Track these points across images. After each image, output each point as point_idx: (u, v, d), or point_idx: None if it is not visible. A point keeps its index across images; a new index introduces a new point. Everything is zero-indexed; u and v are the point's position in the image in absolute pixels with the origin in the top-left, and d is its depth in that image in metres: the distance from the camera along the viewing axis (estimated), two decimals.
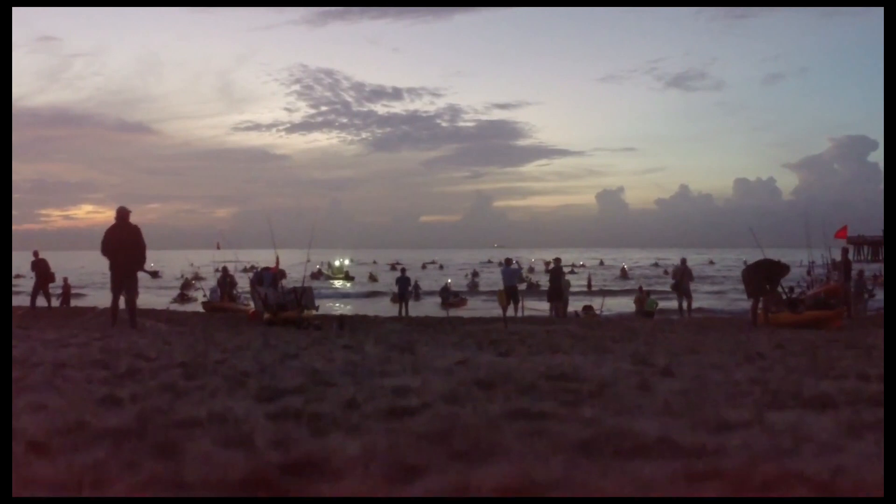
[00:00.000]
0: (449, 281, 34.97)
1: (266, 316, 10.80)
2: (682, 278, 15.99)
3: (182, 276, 48.86)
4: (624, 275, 54.60)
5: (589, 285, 23.08)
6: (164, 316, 18.67)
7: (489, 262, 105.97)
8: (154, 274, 61.99)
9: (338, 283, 51.88)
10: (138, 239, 10.91)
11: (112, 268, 10.92)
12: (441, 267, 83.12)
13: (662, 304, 21.60)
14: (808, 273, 17.93)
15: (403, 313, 15.96)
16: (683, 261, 16.32)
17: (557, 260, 16.52)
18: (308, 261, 71.96)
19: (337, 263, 55.83)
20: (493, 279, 53.75)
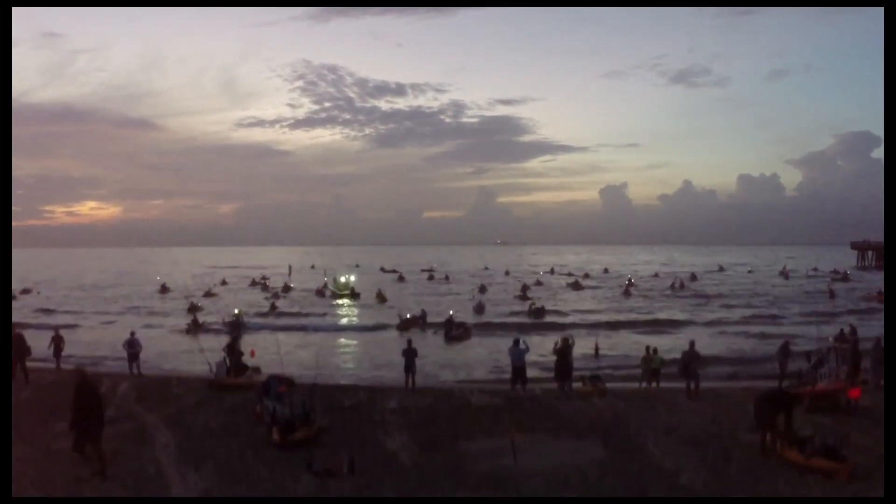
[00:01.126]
0: (452, 313, 34.19)
1: (275, 437, 10.52)
2: (691, 362, 15.96)
3: (188, 299, 45.77)
4: (627, 292, 54.49)
5: (596, 351, 23.01)
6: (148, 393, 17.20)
7: (486, 269, 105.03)
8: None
9: (343, 301, 51.31)
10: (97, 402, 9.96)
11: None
12: (447, 278, 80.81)
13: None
14: (808, 359, 17.43)
15: (410, 384, 15.95)
16: (692, 343, 16.42)
17: (566, 339, 16.47)
18: (313, 267, 72.57)
19: (342, 280, 55.22)
20: (498, 298, 53.69)
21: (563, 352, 16.60)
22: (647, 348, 20.24)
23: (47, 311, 45.74)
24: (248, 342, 27.88)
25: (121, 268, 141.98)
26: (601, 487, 10.12)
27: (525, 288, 59.06)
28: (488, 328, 35.82)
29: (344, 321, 36.41)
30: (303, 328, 33.65)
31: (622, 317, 40.23)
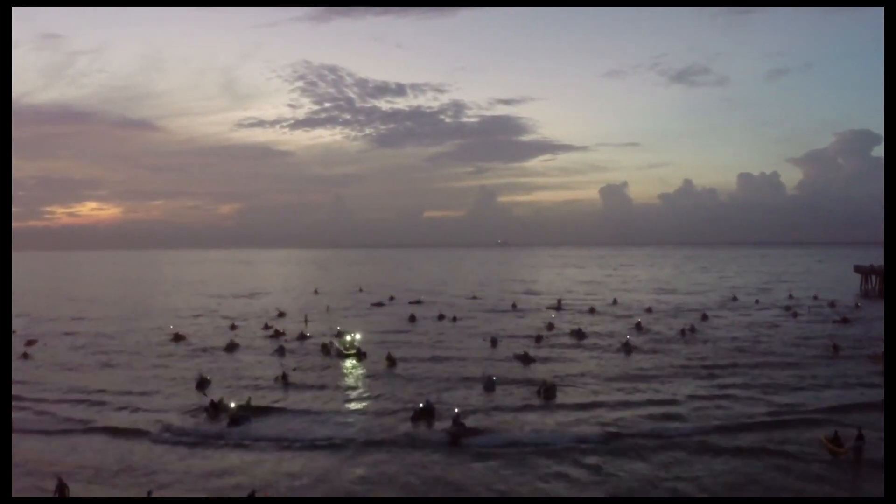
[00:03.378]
0: (457, 411, 32.82)
1: None
2: None
3: (200, 378, 43.45)
4: (627, 348, 55.19)
5: None
6: None
7: (474, 297, 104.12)
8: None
9: (349, 363, 50.16)
10: None
11: None
12: (455, 320, 77.42)
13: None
14: None
15: None
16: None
17: None
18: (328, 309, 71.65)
19: (348, 338, 54.22)
20: (508, 364, 49.83)
21: None
22: None
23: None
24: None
25: (123, 285, 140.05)
26: None
27: (539, 339, 60.25)
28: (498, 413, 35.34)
29: (351, 422, 34.78)
30: (308, 444, 31.31)
31: (624, 395, 39.44)
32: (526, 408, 36.63)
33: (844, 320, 68.33)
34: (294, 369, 47.87)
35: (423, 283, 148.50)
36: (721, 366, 47.57)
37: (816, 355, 51.43)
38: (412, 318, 79.33)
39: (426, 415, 34.54)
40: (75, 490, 24.66)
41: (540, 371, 46.72)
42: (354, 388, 42.92)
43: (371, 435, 32.12)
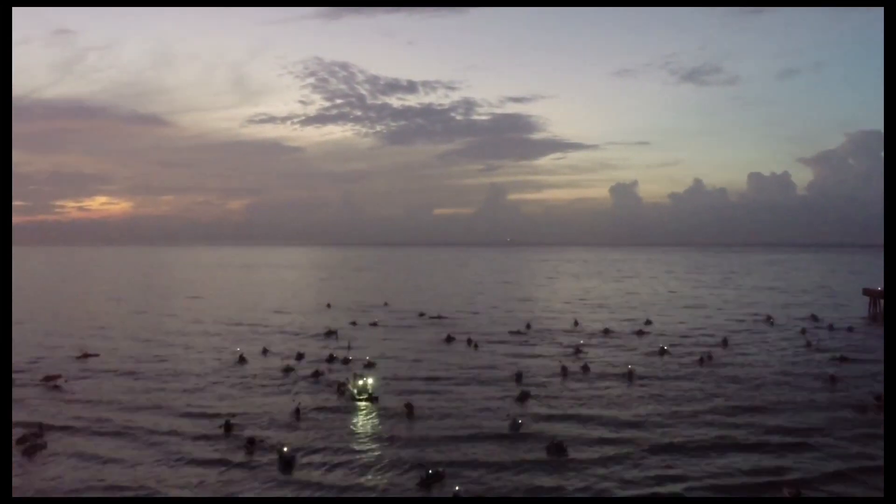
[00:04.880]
0: (458, 488, 32.83)
1: None
2: None
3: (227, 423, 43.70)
4: (662, 353, 58.19)
5: None
6: None
7: (518, 332, 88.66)
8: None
9: (362, 406, 50.30)
10: None
11: None
12: (476, 346, 74.11)
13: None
14: None
15: None
16: None
17: None
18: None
19: (360, 382, 54.45)
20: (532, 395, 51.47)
21: None
22: None
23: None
24: None
25: (147, 288, 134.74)
26: None
27: (565, 370, 61.53)
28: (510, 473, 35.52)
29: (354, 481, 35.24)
30: None
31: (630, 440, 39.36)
32: (536, 467, 36.49)
33: (843, 359, 67.32)
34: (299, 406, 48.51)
35: (439, 294, 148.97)
36: (730, 409, 47.83)
37: (807, 397, 51.88)
38: (448, 339, 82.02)
39: (434, 480, 34.46)
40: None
41: (559, 410, 47.50)
42: (365, 441, 42.71)
43: (377, 494, 32.62)
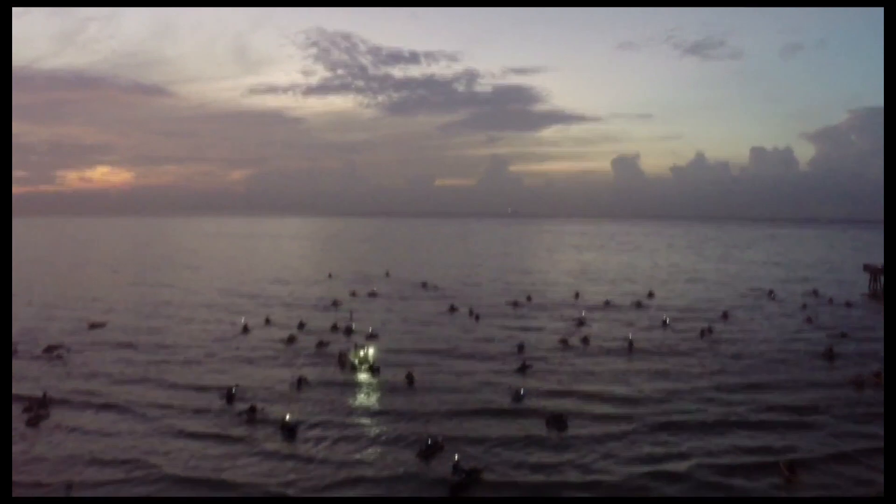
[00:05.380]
0: (457, 457, 33.12)
1: None
2: None
3: (229, 392, 44.32)
4: (664, 325, 59.14)
5: None
6: None
7: (516, 303, 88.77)
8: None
9: (363, 377, 50.52)
10: None
11: None
12: (478, 318, 76.15)
13: None
14: None
15: None
16: None
17: None
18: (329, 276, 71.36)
19: (361, 353, 54.22)
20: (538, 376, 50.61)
21: None
22: None
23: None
24: None
25: (152, 259, 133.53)
26: None
27: (566, 342, 62.08)
28: (510, 449, 35.72)
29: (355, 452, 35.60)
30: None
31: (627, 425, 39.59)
32: (534, 443, 36.61)
33: (843, 335, 67.41)
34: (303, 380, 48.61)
35: (440, 265, 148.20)
36: (728, 387, 47.99)
37: (806, 374, 51.87)
38: (452, 309, 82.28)
39: (434, 451, 34.79)
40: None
41: (562, 383, 47.95)
42: (366, 411, 43.04)
43: (376, 470, 32.74)
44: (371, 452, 35.42)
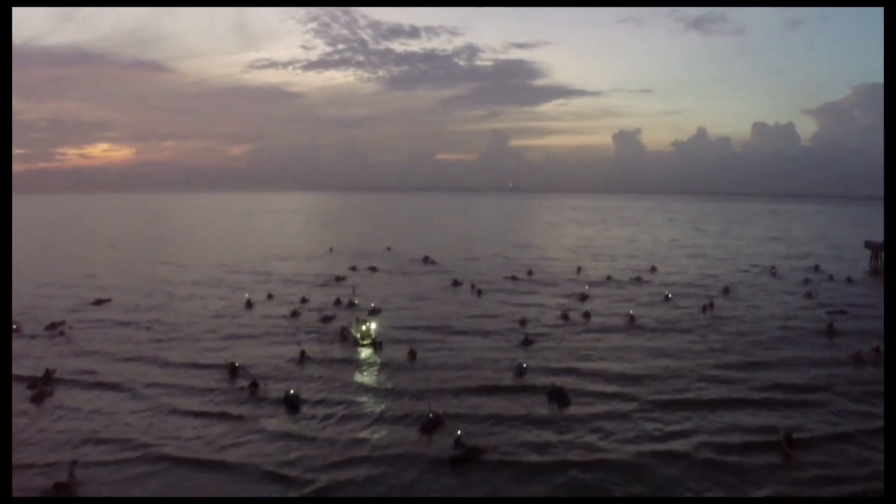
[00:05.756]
0: (459, 433, 33.29)
1: None
2: None
3: (231, 366, 45.33)
4: (666, 300, 62.31)
5: None
6: None
7: (515, 277, 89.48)
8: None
9: (365, 352, 50.61)
10: None
11: None
12: (480, 293, 76.74)
13: None
14: None
15: None
16: None
17: None
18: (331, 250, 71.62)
19: (363, 327, 54.09)
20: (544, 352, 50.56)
21: None
22: None
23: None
24: None
25: (157, 241, 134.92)
26: None
27: (566, 316, 62.67)
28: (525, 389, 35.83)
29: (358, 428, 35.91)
30: None
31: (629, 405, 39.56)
32: (534, 421, 36.57)
33: (842, 311, 67.17)
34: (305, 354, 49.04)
35: (440, 240, 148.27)
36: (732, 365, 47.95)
37: (808, 351, 51.73)
38: (455, 284, 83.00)
39: (435, 425, 35.09)
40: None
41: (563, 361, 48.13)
42: (368, 387, 43.17)
43: (378, 446, 32.96)
44: (373, 428, 35.56)
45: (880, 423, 32.68)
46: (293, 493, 28.38)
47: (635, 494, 28.48)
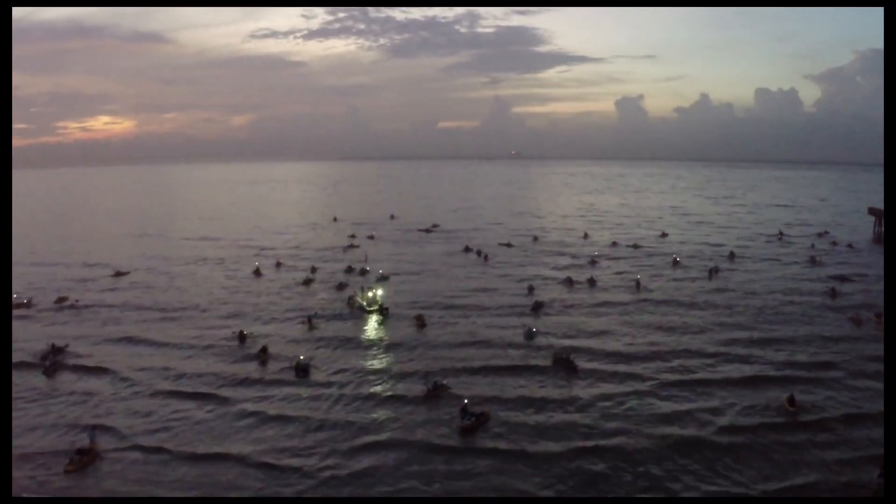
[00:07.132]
0: (466, 402, 33.24)
1: None
2: None
3: (240, 333, 46.53)
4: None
5: None
6: None
7: (510, 244, 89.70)
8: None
9: (372, 321, 50.33)
10: None
11: None
12: (486, 258, 77.76)
13: None
14: None
15: None
16: None
17: None
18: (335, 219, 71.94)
19: (370, 294, 54.25)
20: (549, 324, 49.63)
21: None
22: None
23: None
24: None
25: (161, 214, 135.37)
26: None
27: (570, 281, 64.11)
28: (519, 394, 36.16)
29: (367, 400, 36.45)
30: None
31: (636, 367, 39.86)
32: (544, 386, 36.88)
33: (843, 279, 66.90)
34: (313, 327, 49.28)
35: (444, 207, 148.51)
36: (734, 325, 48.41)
37: (813, 319, 51.73)
38: (467, 250, 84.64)
39: (440, 391, 35.60)
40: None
41: (570, 327, 48.69)
42: (375, 353, 43.55)
43: (386, 417, 33.26)
44: (382, 391, 36.15)
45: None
46: (307, 454, 29.04)
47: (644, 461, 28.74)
